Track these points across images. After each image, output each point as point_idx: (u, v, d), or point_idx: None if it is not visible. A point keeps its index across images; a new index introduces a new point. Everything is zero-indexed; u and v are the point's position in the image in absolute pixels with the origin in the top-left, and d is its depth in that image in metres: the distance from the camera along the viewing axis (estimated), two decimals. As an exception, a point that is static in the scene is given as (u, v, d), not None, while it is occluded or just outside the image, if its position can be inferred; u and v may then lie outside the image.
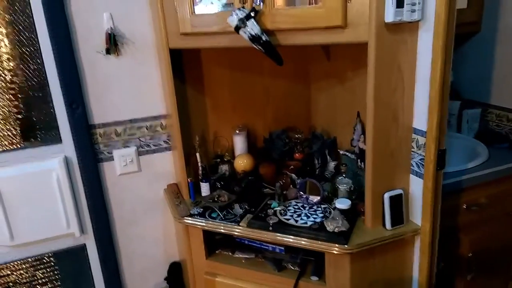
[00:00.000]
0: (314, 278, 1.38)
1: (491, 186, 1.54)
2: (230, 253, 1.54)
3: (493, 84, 1.87)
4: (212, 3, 1.33)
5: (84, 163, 1.65)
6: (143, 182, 1.78)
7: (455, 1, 1.11)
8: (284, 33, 1.26)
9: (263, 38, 1.24)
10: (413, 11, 1.14)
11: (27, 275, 1.75)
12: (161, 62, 1.57)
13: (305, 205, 1.47)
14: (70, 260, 1.79)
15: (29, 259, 1.73)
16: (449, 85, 1.17)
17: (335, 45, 1.51)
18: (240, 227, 1.40)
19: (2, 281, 1.71)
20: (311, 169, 1.67)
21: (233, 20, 1.24)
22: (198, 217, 1.47)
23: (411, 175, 1.33)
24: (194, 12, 1.36)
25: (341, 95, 1.65)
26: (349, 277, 1.29)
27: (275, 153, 1.76)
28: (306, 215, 1.40)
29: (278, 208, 1.45)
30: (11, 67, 1.54)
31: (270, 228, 1.36)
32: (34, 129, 1.62)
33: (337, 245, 1.26)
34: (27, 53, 1.55)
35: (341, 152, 1.59)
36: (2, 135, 1.59)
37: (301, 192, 1.51)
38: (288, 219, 1.38)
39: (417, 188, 1.31)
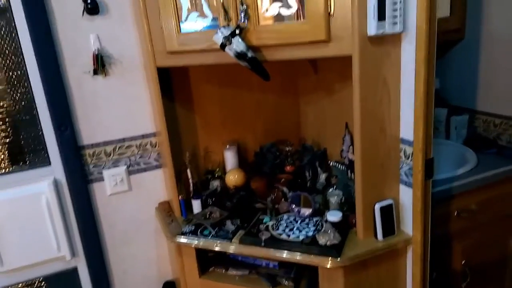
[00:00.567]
0: (309, 293, 1.37)
1: (480, 192, 1.55)
2: (223, 271, 1.53)
3: (479, 90, 1.89)
4: (196, 21, 1.34)
5: (73, 185, 1.64)
6: (134, 201, 1.77)
7: (436, 12, 1.13)
8: (270, 49, 1.28)
9: (249, 54, 1.25)
10: (394, 23, 1.16)
11: (19, 301, 1.72)
12: (149, 81, 1.58)
13: (297, 219, 1.47)
14: (61, 284, 1.76)
15: (20, 285, 1.70)
16: (433, 95, 1.19)
17: (321, 58, 1.53)
18: (233, 244, 1.39)
19: (-7, 308, 1.68)
20: (302, 181, 1.67)
21: (218, 38, 1.25)
22: (190, 235, 1.46)
23: (400, 184, 1.34)
24: (180, 30, 1.38)
25: (329, 107, 1.67)
26: (344, 290, 1.29)
27: (266, 167, 1.76)
28: (298, 229, 1.40)
29: (270, 223, 1.45)
30: (-2, 91, 1.54)
31: (263, 244, 1.35)
32: (23, 152, 1.61)
33: (329, 258, 1.25)
34: (15, 76, 1.55)
35: (331, 163, 1.60)
36: (-10, 160, 1.58)
37: (293, 205, 1.50)
38: (280, 234, 1.38)
39: (407, 198, 1.31)
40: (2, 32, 1.50)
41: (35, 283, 1.72)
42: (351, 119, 1.29)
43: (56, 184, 1.62)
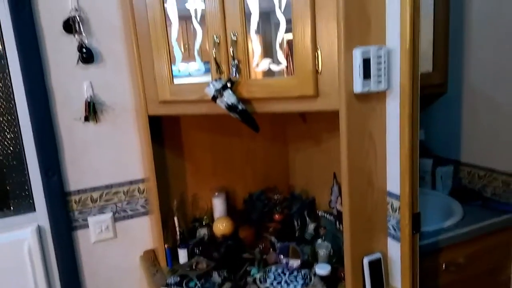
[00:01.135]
0: None
1: (468, 245, 1.55)
2: (209, 324, 1.47)
3: (463, 142, 1.94)
4: (190, 74, 1.38)
5: (57, 232, 1.60)
6: (119, 249, 1.73)
7: (418, 70, 1.19)
8: (260, 101, 1.31)
9: (239, 107, 1.28)
10: (379, 81, 1.21)
11: None
12: (140, 128, 1.59)
13: (285, 271, 1.44)
14: (38, 337, 1.67)
15: (-6, 338, 1.61)
16: (417, 150, 1.22)
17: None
18: (219, 297, 1.36)
19: None
20: (291, 230, 1.66)
21: (210, 91, 1.28)
22: (175, 287, 1.42)
23: (388, 238, 1.34)
24: (172, 81, 1.41)
25: (317, 156, 1.69)
26: None
27: (255, 215, 1.75)
28: (286, 282, 1.37)
29: (258, 275, 1.42)
30: (-13, 136, 1.54)
31: (250, 298, 1.32)
32: (7, 198, 1.58)
33: (318, 314, 1.22)
34: (5, 121, 1.55)
35: (320, 213, 1.60)
36: (-28, 205, 1.55)
37: (281, 256, 1.48)
38: (268, 287, 1.35)
39: (395, 252, 1.31)
40: (-5, 78, 1.52)
41: (9, 336, 1.64)
42: (338, 169, 1.30)
43: (39, 231, 1.58)
